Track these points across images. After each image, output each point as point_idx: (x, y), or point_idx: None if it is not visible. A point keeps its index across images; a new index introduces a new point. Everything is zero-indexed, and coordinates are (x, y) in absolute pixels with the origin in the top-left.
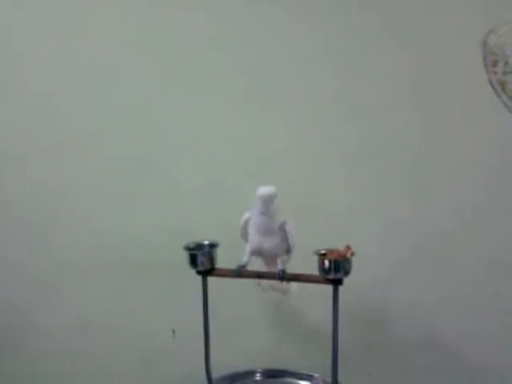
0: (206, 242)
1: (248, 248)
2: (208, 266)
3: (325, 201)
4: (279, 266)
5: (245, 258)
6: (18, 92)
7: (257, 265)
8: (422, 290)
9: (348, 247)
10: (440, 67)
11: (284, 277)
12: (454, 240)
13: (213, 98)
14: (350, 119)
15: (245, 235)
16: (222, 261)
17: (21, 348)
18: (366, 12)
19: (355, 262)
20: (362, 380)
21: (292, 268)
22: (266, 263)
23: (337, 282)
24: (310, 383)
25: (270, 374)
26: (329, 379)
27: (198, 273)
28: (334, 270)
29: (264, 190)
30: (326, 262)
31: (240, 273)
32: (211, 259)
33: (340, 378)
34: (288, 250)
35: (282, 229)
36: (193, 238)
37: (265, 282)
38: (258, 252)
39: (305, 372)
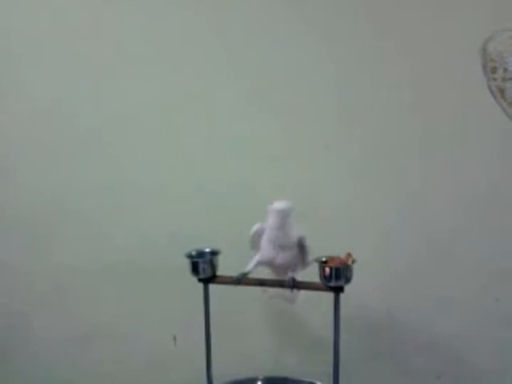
0: (208, 250)
1: (257, 258)
2: (210, 274)
3: (324, 208)
4: (289, 274)
5: (250, 266)
6: (19, 97)
7: (263, 273)
8: (423, 297)
9: (349, 255)
10: (439, 74)
11: (294, 285)
12: (454, 246)
13: (213, 103)
14: (350, 126)
15: (255, 245)
16: (223, 267)
17: (21, 353)
18: (366, 20)
19: (356, 270)
20: None
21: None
22: (277, 273)
23: (338, 290)
24: None
25: (272, 381)
26: None
27: (200, 280)
28: (335, 277)
29: (280, 204)
30: (327, 270)
31: (241, 280)
32: (213, 267)
33: None
34: (304, 264)
35: (300, 244)
36: (196, 246)
37: (272, 290)
38: (268, 264)
39: (306, 380)
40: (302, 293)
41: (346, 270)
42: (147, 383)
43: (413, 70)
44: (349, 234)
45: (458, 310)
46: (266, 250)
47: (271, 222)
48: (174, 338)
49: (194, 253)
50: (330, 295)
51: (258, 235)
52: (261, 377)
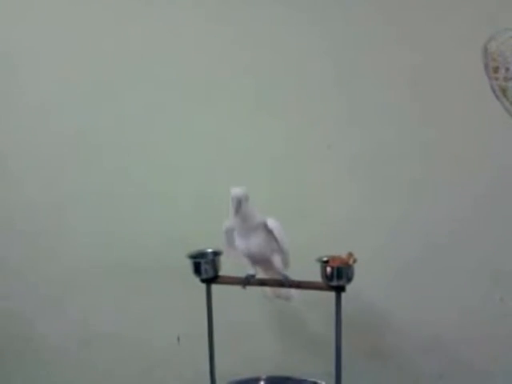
0: (210, 250)
1: (240, 252)
2: (212, 274)
3: (326, 208)
4: (279, 270)
5: (251, 270)
6: (20, 103)
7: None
8: (426, 296)
9: (350, 254)
10: (442, 74)
11: (288, 283)
12: (456, 246)
13: (214, 105)
14: (352, 127)
15: (229, 242)
16: (225, 267)
17: (24, 354)
18: (368, 21)
19: (358, 269)
20: None
21: (295, 275)
22: (265, 269)
23: (339, 289)
24: None
25: (275, 381)
26: None
27: (202, 281)
28: (337, 277)
29: (233, 190)
30: (329, 269)
31: (249, 282)
32: (215, 267)
33: None
34: (280, 250)
35: (265, 228)
36: (199, 247)
37: (269, 291)
38: (248, 256)
39: (309, 379)
40: (294, 290)
41: (348, 269)
42: (151, 383)
43: (415, 70)
44: (350, 234)
45: (461, 310)
46: (237, 241)
47: (230, 210)
48: (178, 338)
49: (196, 253)
50: (332, 295)
51: (230, 231)
52: (264, 376)
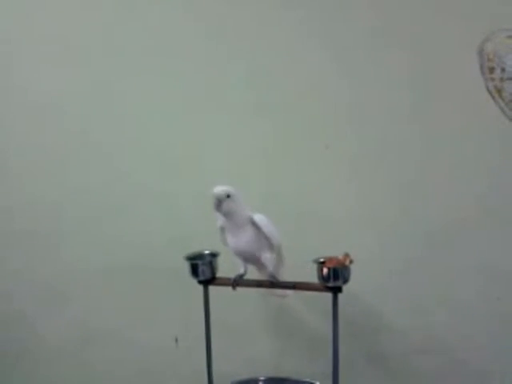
0: (207, 252)
1: (235, 255)
2: (209, 276)
3: (323, 208)
4: (269, 269)
5: (242, 268)
6: (20, 102)
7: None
8: (423, 297)
9: (346, 255)
10: (438, 74)
11: (279, 284)
12: (454, 246)
13: (212, 105)
14: (349, 127)
15: (224, 240)
16: (223, 269)
17: (23, 355)
18: (365, 22)
19: (355, 270)
20: None
21: (291, 276)
22: (257, 269)
23: (336, 290)
24: None
25: (272, 382)
26: None
27: (200, 282)
28: (333, 277)
29: (215, 189)
30: (325, 270)
31: (238, 282)
32: (212, 268)
33: None
34: (270, 246)
35: (254, 225)
36: (196, 248)
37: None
38: (239, 254)
39: (306, 380)
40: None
41: (344, 270)
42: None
43: (411, 71)
44: (348, 235)
45: (458, 309)
46: (228, 239)
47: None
48: (176, 340)
49: (193, 255)
50: (329, 296)
51: (222, 229)
52: (261, 378)
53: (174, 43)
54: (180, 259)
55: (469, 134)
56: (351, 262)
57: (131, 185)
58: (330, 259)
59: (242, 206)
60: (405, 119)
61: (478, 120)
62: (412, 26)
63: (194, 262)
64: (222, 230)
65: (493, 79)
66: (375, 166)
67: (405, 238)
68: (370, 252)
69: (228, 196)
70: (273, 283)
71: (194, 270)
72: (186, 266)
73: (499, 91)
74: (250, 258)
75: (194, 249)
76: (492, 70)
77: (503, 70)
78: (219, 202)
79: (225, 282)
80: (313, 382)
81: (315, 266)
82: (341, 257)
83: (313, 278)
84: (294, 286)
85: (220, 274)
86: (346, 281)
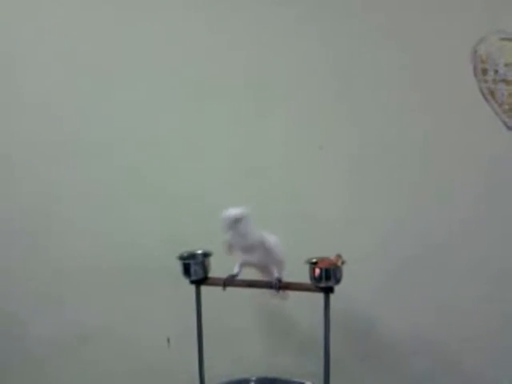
0: (200, 252)
1: (239, 260)
2: (201, 276)
3: (318, 209)
4: (275, 275)
5: (236, 269)
6: (16, 101)
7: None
8: (416, 297)
9: (339, 256)
10: (431, 76)
11: (280, 286)
12: (450, 248)
13: (210, 109)
14: (343, 127)
15: (228, 251)
16: (216, 269)
17: (18, 354)
18: (360, 23)
19: (349, 271)
20: None
21: (284, 276)
22: (262, 273)
23: (328, 290)
24: None
25: (264, 382)
26: None
27: (192, 282)
28: (325, 278)
29: (226, 212)
30: (317, 271)
31: (231, 282)
32: (204, 268)
33: None
34: (281, 263)
35: (263, 245)
36: (189, 248)
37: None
38: (248, 264)
39: (298, 380)
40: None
41: (336, 270)
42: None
43: (404, 72)
44: (341, 235)
45: (454, 310)
46: (238, 255)
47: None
48: (168, 340)
49: (185, 254)
50: (321, 296)
51: (228, 243)
52: (253, 378)
53: (174, 42)
54: (172, 259)
55: (461, 136)
56: (343, 262)
57: (125, 185)
58: (323, 260)
59: (253, 227)
60: (399, 120)
61: (471, 122)
62: (405, 29)
63: (187, 261)
64: (231, 245)
65: (486, 81)
66: (370, 167)
67: (398, 239)
68: (362, 253)
69: (240, 219)
70: (265, 283)
71: (187, 270)
72: (178, 266)
73: (492, 93)
74: (257, 269)
75: (187, 248)
76: (485, 71)
77: (496, 71)
78: (231, 225)
79: (217, 282)
80: (303, 382)
81: (307, 267)
82: (333, 257)
83: (306, 279)
84: (286, 286)
85: (212, 273)
86: (337, 281)
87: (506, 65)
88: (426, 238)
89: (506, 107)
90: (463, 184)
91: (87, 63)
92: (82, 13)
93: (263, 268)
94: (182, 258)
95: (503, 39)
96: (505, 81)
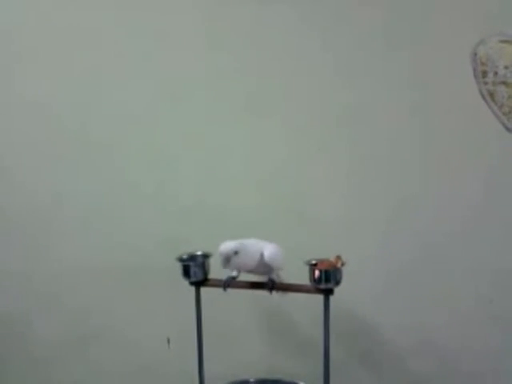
0: (199, 253)
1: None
2: (201, 277)
3: (317, 211)
4: (271, 276)
5: (234, 271)
6: (16, 101)
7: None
8: (416, 299)
9: (338, 257)
10: (431, 77)
11: (273, 287)
12: (447, 249)
13: (207, 110)
14: (342, 129)
15: (225, 266)
16: (215, 270)
17: (19, 354)
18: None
19: (349, 272)
20: None
21: (284, 278)
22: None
23: (327, 292)
24: None
25: (264, 383)
26: None
27: (191, 284)
28: (325, 279)
29: (222, 247)
30: (317, 272)
31: (231, 283)
32: (204, 270)
33: None
34: (277, 270)
35: (262, 262)
36: (189, 249)
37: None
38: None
39: (297, 381)
40: None
41: (336, 272)
42: None
43: (404, 74)
44: (341, 237)
45: (450, 311)
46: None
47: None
48: (168, 341)
49: (185, 256)
50: (321, 297)
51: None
52: (253, 379)
53: (174, 42)
54: (172, 260)
55: (463, 138)
56: (343, 264)
57: (124, 186)
58: (322, 261)
59: (251, 253)
60: (399, 122)
61: (471, 124)
62: (405, 31)
63: (186, 263)
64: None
65: (486, 83)
66: (370, 168)
67: (398, 241)
68: (362, 254)
69: (236, 253)
70: (264, 285)
71: (186, 272)
72: (178, 267)
73: (492, 95)
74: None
75: (187, 250)
76: (485, 73)
77: (496, 73)
78: (227, 260)
79: (217, 284)
80: (303, 383)
81: (307, 268)
82: (333, 259)
83: (305, 280)
84: (286, 287)
85: (212, 275)
86: (337, 283)
87: (506, 67)
88: (426, 239)
89: (506, 109)
90: (463, 185)
91: (87, 63)
92: (82, 13)
93: (262, 274)
94: (181, 259)
95: (503, 41)
96: (504, 83)
